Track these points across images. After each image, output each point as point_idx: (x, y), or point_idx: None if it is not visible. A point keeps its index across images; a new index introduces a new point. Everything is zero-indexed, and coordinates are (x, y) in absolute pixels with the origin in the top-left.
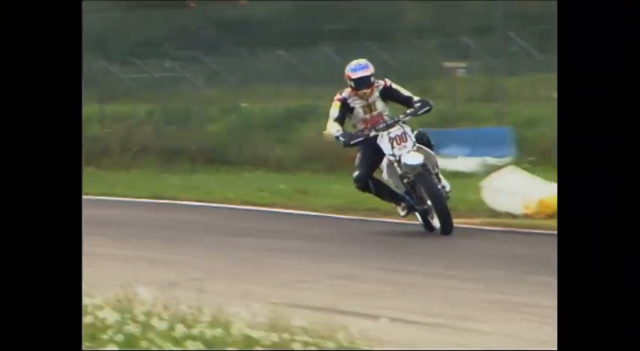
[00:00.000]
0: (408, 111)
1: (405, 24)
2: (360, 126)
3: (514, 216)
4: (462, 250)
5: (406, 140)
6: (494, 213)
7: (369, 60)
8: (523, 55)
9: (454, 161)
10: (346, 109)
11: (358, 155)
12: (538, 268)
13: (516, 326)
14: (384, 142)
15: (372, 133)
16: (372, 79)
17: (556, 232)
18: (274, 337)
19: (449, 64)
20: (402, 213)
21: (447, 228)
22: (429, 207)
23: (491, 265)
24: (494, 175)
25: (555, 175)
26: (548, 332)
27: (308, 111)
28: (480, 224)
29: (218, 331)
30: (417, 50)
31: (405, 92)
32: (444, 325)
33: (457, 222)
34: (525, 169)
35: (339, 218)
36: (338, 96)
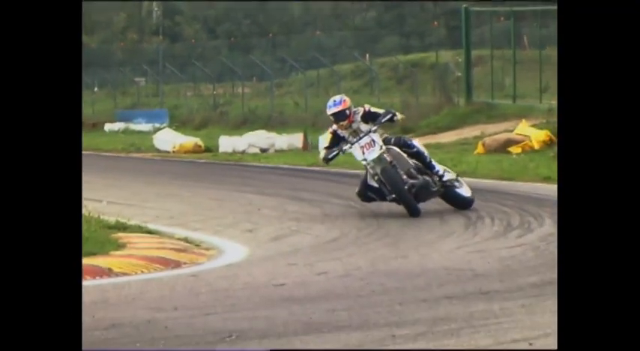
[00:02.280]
0: (375, 122)
1: (116, 60)
2: None
3: (168, 152)
4: (139, 169)
5: (374, 145)
6: (159, 151)
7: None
8: (174, 75)
9: (141, 126)
10: (338, 139)
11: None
12: (183, 178)
13: (167, 205)
14: (356, 152)
15: (345, 147)
16: (348, 111)
17: (190, 160)
18: None
19: (137, 79)
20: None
21: (412, 213)
22: (395, 197)
23: (158, 175)
24: (159, 133)
25: (193, 134)
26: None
27: None
28: (151, 156)
29: None
30: (121, 72)
31: (382, 111)
32: (133, 204)
33: (141, 156)
34: (174, 130)
35: None
36: (330, 129)
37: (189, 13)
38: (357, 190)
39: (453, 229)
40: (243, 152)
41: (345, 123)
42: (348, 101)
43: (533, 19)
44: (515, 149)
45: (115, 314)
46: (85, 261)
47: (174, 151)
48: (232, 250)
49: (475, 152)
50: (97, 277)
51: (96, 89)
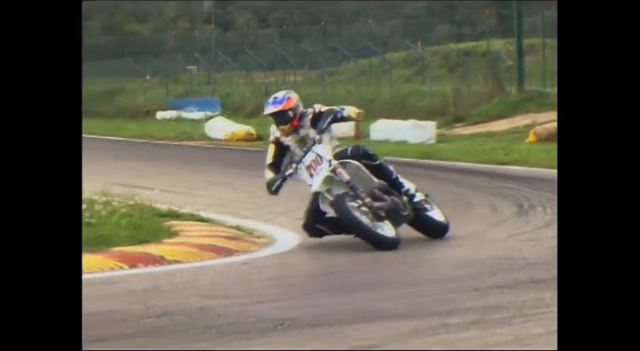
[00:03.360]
0: (317, 132)
1: (168, 48)
2: None
3: (219, 140)
4: (190, 157)
5: (321, 162)
6: (211, 139)
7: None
8: (226, 63)
9: (192, 114)
10: (282, 149)
11: None
12: (235, 166)
13: (219, 193)
14: (303, 175)
15: (289, 172)
16: (292, 112)
17: (242, 148)
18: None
19: (189, 67)
20: None
21: (380, 246)
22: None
23: (210, 163)
24: (211, 121)
25: (245, 122)
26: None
27: None
28: (203, 144)
29: None
30: (173, 60)
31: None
32: (185, 192)
33: (193, 144)
34: (226, 118)
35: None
36: (271, 137)
37: (241, 2)
38: (303, 221)
39: (505, 218)
40: None
41: (286, 127)
42: (293, 99)
43: None
44: None
45: (167, 302)
46: (138, 249)
47: (225, 139)
48: (284, 239)
49: (526, 141)
50: (150, 265)
51: (148, 77)
